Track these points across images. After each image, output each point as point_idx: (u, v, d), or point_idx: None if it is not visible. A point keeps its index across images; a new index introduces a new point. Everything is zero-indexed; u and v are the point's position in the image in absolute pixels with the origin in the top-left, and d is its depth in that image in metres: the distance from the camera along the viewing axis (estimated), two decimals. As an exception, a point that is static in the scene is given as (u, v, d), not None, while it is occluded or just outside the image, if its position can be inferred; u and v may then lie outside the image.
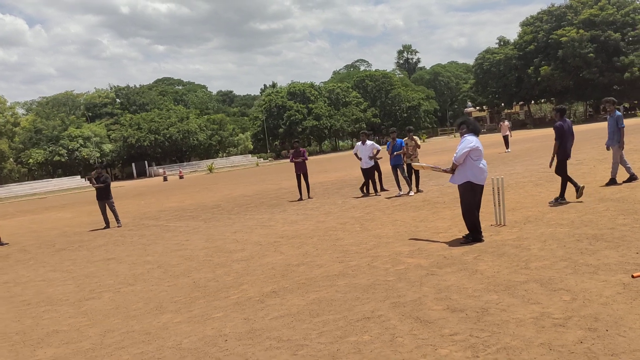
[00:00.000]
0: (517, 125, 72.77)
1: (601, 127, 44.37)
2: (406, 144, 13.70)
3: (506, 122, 26.69)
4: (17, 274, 9.32)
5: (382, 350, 4.08)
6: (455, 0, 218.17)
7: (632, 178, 10.66)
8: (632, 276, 4.99)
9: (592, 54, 63.11)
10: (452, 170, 7.34)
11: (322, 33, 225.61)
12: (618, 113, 11.09)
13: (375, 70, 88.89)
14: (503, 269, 5.82)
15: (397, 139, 13.73)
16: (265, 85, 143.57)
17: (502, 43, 78.58)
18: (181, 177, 45.40)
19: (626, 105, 71.87)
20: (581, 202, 9.23)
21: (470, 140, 7.16)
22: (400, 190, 13.67)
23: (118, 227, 14.37)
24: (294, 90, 72.08)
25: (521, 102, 78.68)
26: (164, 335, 5.09)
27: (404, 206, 11.67)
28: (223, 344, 4.66)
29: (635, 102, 69.87)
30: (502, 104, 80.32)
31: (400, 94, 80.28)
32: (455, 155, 7.14)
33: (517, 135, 39.41)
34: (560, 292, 4.84)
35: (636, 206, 8.28)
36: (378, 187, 14.76)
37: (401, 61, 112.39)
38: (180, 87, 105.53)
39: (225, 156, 69.45)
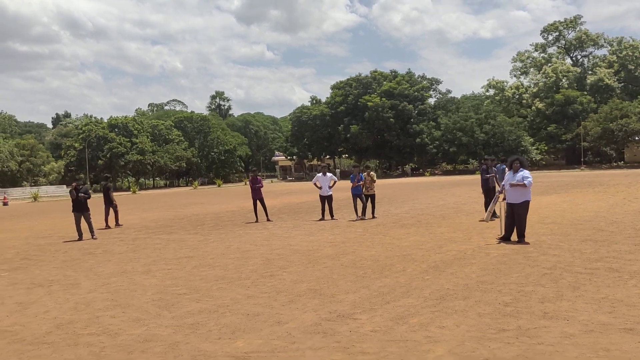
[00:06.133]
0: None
1: (400, 181, 53.23)
2: (364, 177, 16.59)
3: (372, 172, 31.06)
4: (129, 266, 9.61)
5: (605, 277, 6.87)
6: (234, 53, 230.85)
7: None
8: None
9: (392, 119, 74.08)
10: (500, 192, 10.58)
11: (93, 65, 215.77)
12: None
13: (192, 112, 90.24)
14: (575, 252, 9.01)
15: (360, 173, 16.55)
16: (57, 114, 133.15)
17: (314, 102, 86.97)
18: (5, 204, 40.84)
19: (413, 166, 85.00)
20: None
21: (528, 173, 10.34)
22: (357, 215, 16.39)
23: (93, 239, 14.30)
24: (116, 123, 69.44)
25: (328, 156, 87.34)
26: (425, 285, 7.10)
27: (384, 225, 14.42)
28: (491, 284, 6.94)
29: (421, 163, 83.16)
30: (310, 155, 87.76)
31: (220, 137, 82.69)
32: (527, 181, 10.09)
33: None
34: None
35: (564, 224, 12.40)
36: (334, 213, 17.21)
37: (213, 106, 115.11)
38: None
39: (32, 185, 63.00)
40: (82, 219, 14.49)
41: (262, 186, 17.53)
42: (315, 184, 17.20)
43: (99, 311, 6.58)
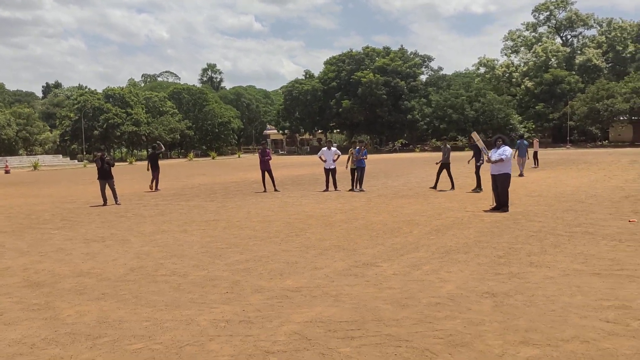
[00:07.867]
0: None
1: (391, 157, 54.82)
2: (354, 151, 17.80)
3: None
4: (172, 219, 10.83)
5: (582, 238, 8.25)
6: (221, 23, 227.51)
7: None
8: (629, 221, 10.01)
9: (385, 96, 75.13)
10: (488, 159, 11.90)
11: (77, 32, 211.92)
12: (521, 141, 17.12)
13: (193, 85, 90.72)
14: (558, 220, 10.41)
15: (363, 148, 17.81)
16: (47, 83, 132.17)
17: (307, 76, 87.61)
18: (7, 172, 41.67)
19: (403, 142, 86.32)
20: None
21: (508, 149, 11.76)
22: (352, 186, 17.69)
23: (117, 205, 15.46)
24: (112, 93, 69.86)
25: (320, 131, 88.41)
26: (431, 243, 8.43)
27: (385, 196, 15.75)
28: (487, 243, 8.29)
29: (411, 139, 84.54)
30: (302, 129, 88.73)
31: (214, 110, 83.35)
32: (505, 156, 11.58)
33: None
34: (624, 220, 9.57)
35: (549, 197, 13.82)
36: (337, 185, 18.49)
37: (205, 78, 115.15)
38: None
39: (29, 154, 63.54)
40: (107, 186, 15.61)
41: (270, 158, 18.72)
42: (320, 157, 18.43)
43: (160, 260, 7.84)
